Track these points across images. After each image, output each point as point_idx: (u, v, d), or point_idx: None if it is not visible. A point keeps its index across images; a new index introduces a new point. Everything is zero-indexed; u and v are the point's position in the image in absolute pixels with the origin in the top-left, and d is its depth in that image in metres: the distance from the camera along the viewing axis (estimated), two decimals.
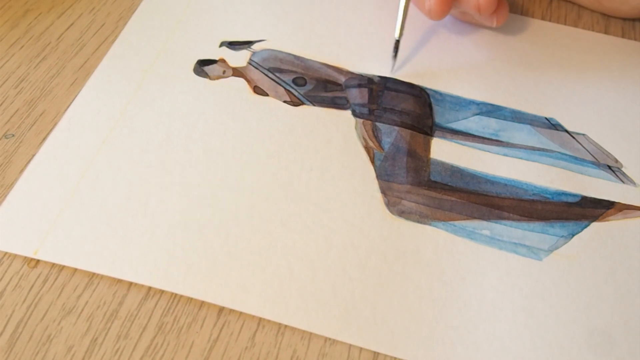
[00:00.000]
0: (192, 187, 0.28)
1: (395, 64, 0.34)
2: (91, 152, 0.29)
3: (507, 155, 0.30)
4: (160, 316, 0.24)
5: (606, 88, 0.34)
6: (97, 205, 0.27)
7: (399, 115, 0.31)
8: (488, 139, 0.31)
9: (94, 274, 0.25)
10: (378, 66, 0.34)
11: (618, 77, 0.34)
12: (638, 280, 0.26)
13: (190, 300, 0.25)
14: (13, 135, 0.29)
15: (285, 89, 0.32)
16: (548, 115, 0.32)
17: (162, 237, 0.26)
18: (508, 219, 0.28)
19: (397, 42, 0.33)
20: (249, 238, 0.26)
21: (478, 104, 0.32)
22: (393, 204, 0.28)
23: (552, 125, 0.32)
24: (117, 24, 0.35)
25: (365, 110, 0.32)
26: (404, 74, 0.34)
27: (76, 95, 0.31)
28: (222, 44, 0.34)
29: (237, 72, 0.33)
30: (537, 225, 0.28)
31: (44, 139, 0.29)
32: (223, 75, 0.33)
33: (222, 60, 0.33)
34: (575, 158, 0.30)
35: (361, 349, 0.24)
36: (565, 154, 0.31)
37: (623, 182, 0.30)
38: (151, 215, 0.27)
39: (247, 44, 0.34)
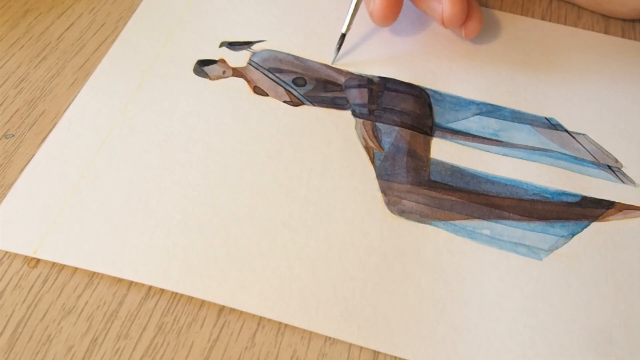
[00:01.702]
0: (192, 187, 0.28)
1: (337, 57, 0.34)
2: (91, 151, 0.29)
3: (507, 155, 0.30)
4: (160, 316, 0.24)
5: (606, 88, 0.34)
6: (96, 205, 0.27)
7: (399, 116, 0.31)
8: (488, 139, 0.31)
9: (94, 274, 0.25)
10: (378, 67, 0.34)
11: (618, 77, 0.34)
12: (638, 280, 0.26)
13: (190, 300, 0.25)
14: (13, 135, 0.29)
15: (285, 89, 0.32)
16: (548, 115, 0.32)
17: (162, 236, 0.26)
18: (508, 218, 0.28)
19: (343, 35, 0.33)
20: (249, 237, 0.26)
21: (478, 104, 0.32)
22: (393, 204, 0.28)
23: (552, 125, 0.32)
24: (117, 24, 0.35)
25: (365, 111, 0.32)
26: (403, 74, 0.34)
27: (76, 95, 0.31)
28: (222, 44, 0.34)
29: (237, 72, 0.33)
30: (537, 225, 0.28)
31: (44, 139, 0.29)
32: (223, 75, 0.33)
33: (222, 61, 0.33)
34: (576, 158, 0.30)
35: (361, 348, 0.24)
36: (566, 154, 0.31)
37: (623, 182, 0.30)
38: (151, 214, 0.27)
39: (247, 44, 0.34)
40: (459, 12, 0.32)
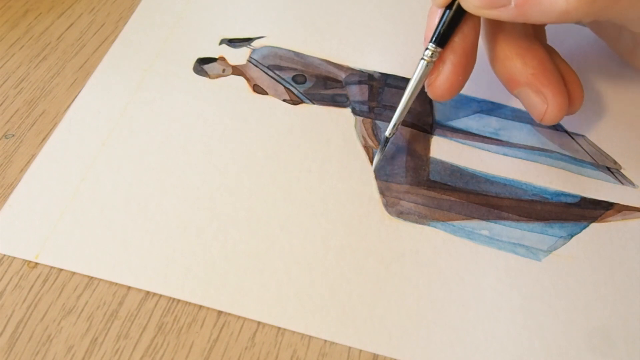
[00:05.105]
0: (191, 190, 0.28)
1: (378, 161, 0.29)
2: (91, 153, 0.29)
3: (506, 155, 0.30)
4: (160, 316, 0.24)
5: (605, 89, 0.34)
6: (97, 209, 0.27)
7: None
8: (488, 137, 0.31)
9: None
10: (379, 61, 0.34)
11: (617, 79, 0.34)
12: (637, 281, 0.26)
13: None
14: (13, 135, 0.29)
15: (284, 87, 0.32)
16: None
17: (161, 241, 0.26)
18: (507, 219, 0.28)
19: (387, 139, 0.28)
20: (247, 241, 0.26)
21: (479, 101, 0.32)
22: (391, 205, 0.28)
23: (552, 125, 0.32)
24: (117, 24, 0.35)
25: (365, 108, 0.31)
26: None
27: (76, 96, 0.31)
28: (222, 42, 0.34)
29: (237, 71, 0.33)
30: (536, 225, 0.28)
31: (44, 139, 0.29)
32: (223, 74, 0.32)
33: (222, 59, 0.33)
34: (575, 159, 0.30)
35: (361, 349, 0.24)
36: (565, 155, 0.30)
37: (622, 183, 0.29)
38: (150, 218, 0.27)
39: (247, 40, 0.34)
40: (562, 114, 0.27)
